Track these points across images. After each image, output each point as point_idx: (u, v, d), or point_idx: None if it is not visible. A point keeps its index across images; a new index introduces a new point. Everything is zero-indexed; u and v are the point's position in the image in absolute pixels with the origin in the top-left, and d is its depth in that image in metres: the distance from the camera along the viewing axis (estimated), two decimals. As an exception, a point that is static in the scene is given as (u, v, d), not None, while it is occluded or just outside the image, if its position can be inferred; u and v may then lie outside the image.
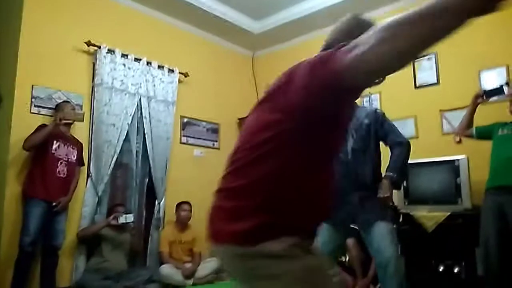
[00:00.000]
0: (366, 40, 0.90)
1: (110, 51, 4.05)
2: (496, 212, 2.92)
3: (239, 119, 5.19)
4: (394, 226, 3.46)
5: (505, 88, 3.06)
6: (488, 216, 2.97)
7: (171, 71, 4.62)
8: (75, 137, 3.59)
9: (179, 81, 4.72)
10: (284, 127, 1.05)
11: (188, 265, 4.10)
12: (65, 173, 3.35)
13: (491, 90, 3.16)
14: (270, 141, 1.05)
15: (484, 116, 3.41)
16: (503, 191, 2.88)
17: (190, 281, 4.00)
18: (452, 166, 3.59)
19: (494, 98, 3.29)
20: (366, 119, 2.57)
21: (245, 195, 1.06)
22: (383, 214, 2.45)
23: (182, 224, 4.30)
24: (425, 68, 4.25)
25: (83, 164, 3.69)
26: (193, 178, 4.81)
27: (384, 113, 2.69)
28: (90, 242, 3.71)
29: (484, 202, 3.03)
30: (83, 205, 3.76)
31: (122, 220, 3.73)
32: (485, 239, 2.95)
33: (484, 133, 3.18)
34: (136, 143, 4.32)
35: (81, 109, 3.81)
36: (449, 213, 3.44)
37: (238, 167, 1.11)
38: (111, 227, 3.75)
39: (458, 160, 3.57)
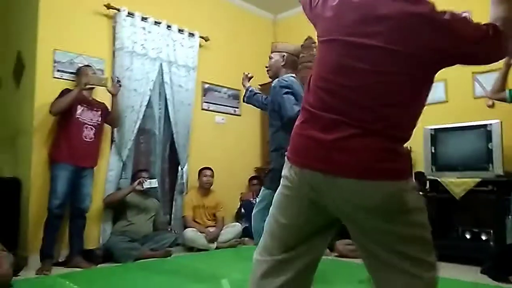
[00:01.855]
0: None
1: (130, 14, 3.97)
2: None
3: (260, 85, 5.09)
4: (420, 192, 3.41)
5: None
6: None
7: (191, 35, 4.52)
8: (97, 100, 3.57)
9: (200, 46, 4.62)
10: None
11: (212, 229, 4.16)
12: (92, 137, 3.37)
13: None
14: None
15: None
16: None
17: (214, 245, 4.06)
18: (484, 131, 3.45)
19: None
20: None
21: (400, 138, 1.16)
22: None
23: (205, 189, 4.33)
24: (458, 28, 4.02)
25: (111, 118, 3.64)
26: (215, 144, 4.80)
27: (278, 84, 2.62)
28: (116, 207, 3.77)
29: (517, 168, 2.92)
30: (108, 169, 3.81)
31: (146, 185, 3.77)
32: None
33: None
34: (159, 109, 4.31)
35: (103, 74, 3.78)
36: (479, 180, 3.34)
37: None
38: (136, 192, 3.80)
39: (490, 124, 3.42)
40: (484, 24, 1.09)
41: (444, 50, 1.09)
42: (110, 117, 3.57)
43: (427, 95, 1.19)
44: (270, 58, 2.75)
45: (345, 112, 1.11)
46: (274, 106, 2.54)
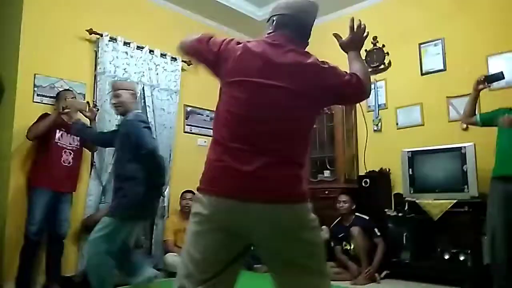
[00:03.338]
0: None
1: (112, 39, 4.01)
2: (503, 201, 2.88)
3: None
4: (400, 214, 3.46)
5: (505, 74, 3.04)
6: (495, 205, 2.92)
7: (174, 59, 4.58)
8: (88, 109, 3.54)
9: (182, 70, 4.68)
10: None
11: (193, 254, 4.11)
12: (70, 161, 3.34)
13: (492, 75, 3.12)
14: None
15: (489, 102, 3.36)
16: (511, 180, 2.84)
17: (195, 270, 4.01)
18: (459, 154, 3.56)
19: (495, 83, 3.24)
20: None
21: (302, 165, 1.34)
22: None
23: (187, 212, 4.30)
24: (431, 54, 4.18)
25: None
26: (197, 167, 4.74)
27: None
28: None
29: (490, 190, 2.99)
30: (88, 194, 3.77)
31: None
32: (492, 228, 2.91)
33: (488, 120, 3.11)
34: (140, 132, 4.30)
35: (84, 98, 3.78)
36: (455, 201, 3.42)
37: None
38: None
39: (464, 147, 3.53)
40: (349, 73, 1.44)
41: (329, 88, 1.38)
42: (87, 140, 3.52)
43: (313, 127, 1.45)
44: (118, 96, 2.80)
45: (259, 143, 1.28)
46: (130, 138, 2.63)
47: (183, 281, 1.30)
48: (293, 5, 1.46)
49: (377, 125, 4.49)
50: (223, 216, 1.26)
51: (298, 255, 1.26)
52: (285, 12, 1.45)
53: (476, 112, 3.19)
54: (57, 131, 3.29)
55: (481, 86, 3.07)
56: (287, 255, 1.26)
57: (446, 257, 3.56)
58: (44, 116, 3.27)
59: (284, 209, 1.24)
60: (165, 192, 4.34)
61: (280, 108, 1.31)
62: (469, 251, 3.41)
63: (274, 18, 1.47)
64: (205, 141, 4.96)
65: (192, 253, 1.29)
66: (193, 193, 4.33)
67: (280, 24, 1.45)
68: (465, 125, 3.73)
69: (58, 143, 3.29)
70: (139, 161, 2.59)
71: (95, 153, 3.81)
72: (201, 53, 1.52)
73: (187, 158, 4.71)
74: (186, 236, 1.36)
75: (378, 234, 3.76)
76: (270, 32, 1.46)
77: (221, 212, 1.26)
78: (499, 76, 3.05)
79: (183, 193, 4.35)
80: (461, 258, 3.46)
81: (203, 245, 1.28)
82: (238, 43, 1.44)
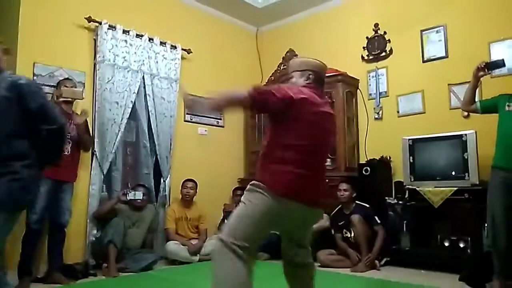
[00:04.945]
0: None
1: (111, 27, 3.98)
2: (504, 188, 2.87)
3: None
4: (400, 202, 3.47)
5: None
6: (495, 192, 2.92)
7: (173, 47, 4.54)
8: (78, 114, 3.55)
9: (182, 58, 4.65)
10: None
11: (194, 242, 4.14)
12: (69, 151, 3.33)
13: (492, 62, 3.07)
14: None
15: (491, 89, 3.34)
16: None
17: (196, 258, 4.04)
18: (460, 141, 3.55)
19: (496, 70, 3.21)
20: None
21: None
22: None
23: (187, 201, 4.32)
24: (433, 41, 4.14)
25: (89, 134, 3.65)
26: (198, 156, 4.80)
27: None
28: (107, 220, 3.72)
29: (491, 178, 2.98)
30: (91, 183, 3.79)
31: (131, 196, 3.79)
32: (492, 215, 2.91)
33: (489, 107, 3.08)
34: (141, 121, 4.29)
35: (83, 87, 3.77)
36: (456, 188, 3.42)
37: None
38: (129, 206, 3.83)
39: (465, 135, 3.52)
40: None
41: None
42: (79, 142, 3.47)
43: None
44: None
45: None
46: (26, 106, 2.00)
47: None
48: (320, 66, 2.02)
49: (378, 113, 4.47)
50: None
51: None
52: (316, 70, 1.99)
53: (477, 99, 3.16)
54: (57, 120, 3.28)
55: (481, 73, 3.03)
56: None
57: (446, 244, 3.57)
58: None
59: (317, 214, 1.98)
60: (166, 181, 4.36)
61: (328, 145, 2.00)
62: (469, 238, 3.42)
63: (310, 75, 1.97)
64: (205, 130, 4.96)
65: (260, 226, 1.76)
66: (194, 181, 4.35)
67: (316, 80, 1.97)
68: (466, 113, 3.71)
69: (58, 132, 3.27)
70: (30, 137, 2.02)
71: (95, 142, 3.81)
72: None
73: (187, 147, 4.71)
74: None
75: (378, 222, 3.77)
76: (310, 83, 1.95)
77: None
78: (500, 63, 3.01)
79: (184, 182, 4.36)
80: (461, 245, 3.47)
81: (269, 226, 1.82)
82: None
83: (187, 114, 4.79)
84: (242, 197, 1.82)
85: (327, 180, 1.77)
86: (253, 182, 1.79)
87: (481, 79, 3.15)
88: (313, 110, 1.82)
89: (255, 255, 1.80)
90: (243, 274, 1.62)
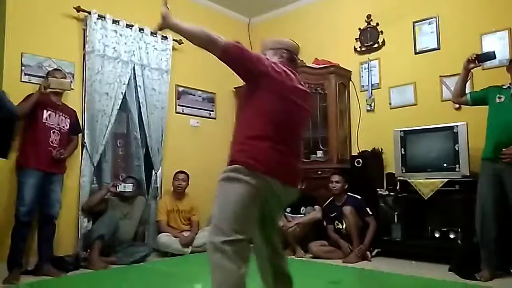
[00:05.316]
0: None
1: (101, 17, 3.92)
2: (493, 180, 2.90)
3: (235, 88, 5.10)
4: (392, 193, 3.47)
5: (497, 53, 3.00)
6: (485, 184, 2.95)
7: (164, 38, 4.49)
8: (68, 105, 3.51)
9: (173, 49, 4.60)
10: None
11: (186, 234, 4.13)
12: (58, 142, 3.29)
13: (483, 54, 3.07)
14: None
15: (483, 81, 3.34)
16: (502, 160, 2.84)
17: (188, 249, 4.03)
18: (451, 133, 3.56)
19: (488, 62, 3.21)
20: None
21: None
22: None
23: (179, 193, 4.30)
24: (425, 33, 4.13)
25: (80, 131, 3.63)
26: (190, 147, 4.78)
27: None
28: (98, 212, 3.72)
29: (481, 170, 3.00)
30: (81, 175, 3.76)
31: (121, 188, 3.76)
32: (481, 206, 2.94)
33: (479, 99, 3.10)
34: (132, 112, 4.24)
35: (73, 78, 3.72)
36: (446, 180, 3.44)
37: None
38: (118, 198, 3.82)
39: (457, 126, 3.53)
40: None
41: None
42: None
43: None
44: None
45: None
46: None
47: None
48: (293, 46, 2.01)
49: (370, 105, 4.47)
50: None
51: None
52: (289, 49, 1.98)
53: (467, 91, 3.17)
54: (45, 111, 3.23)
55: (472, 65, 3.04)
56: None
57: (437, 235, 3.60)
58: (30, 96, 3.20)
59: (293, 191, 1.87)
60: (158, 173, 4.33)
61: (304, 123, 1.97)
62: (459, 229, 3.45)
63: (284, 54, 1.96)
64: (197, 122, 4.92)
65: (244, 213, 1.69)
66: (185, 173, 4.33)
67: (289, 59, 1.96)
68: (457, 105, 3.72)
69: (46, 124, 3.23)
70: None
71: (86, 133, 3.77)
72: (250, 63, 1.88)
73: (179, 138, 4.68)
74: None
75: (370, 213, 3.78)
76: (283, 62, 1.92)
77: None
78: (491, 55, 3.01)
79: (175, 173, 4.33)
80: (452, 236, 3.50)
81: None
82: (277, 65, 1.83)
83: (178, 105, 4.75)
84: (215, 190, 1.71)
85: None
86: (224, 169, 1.70)
87: (472, 71, 3.17)
88: (289, 84, 1.79)
89: (250, 246, 1.68)
90: (236, 277, 1.56)
